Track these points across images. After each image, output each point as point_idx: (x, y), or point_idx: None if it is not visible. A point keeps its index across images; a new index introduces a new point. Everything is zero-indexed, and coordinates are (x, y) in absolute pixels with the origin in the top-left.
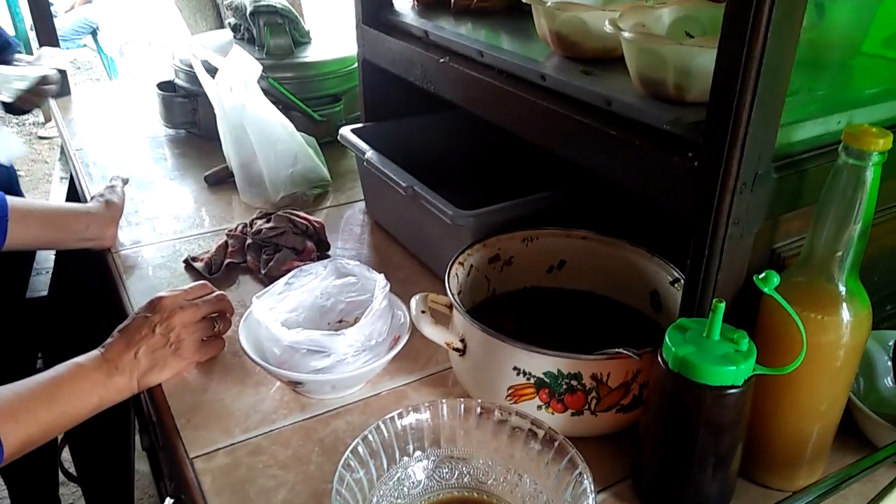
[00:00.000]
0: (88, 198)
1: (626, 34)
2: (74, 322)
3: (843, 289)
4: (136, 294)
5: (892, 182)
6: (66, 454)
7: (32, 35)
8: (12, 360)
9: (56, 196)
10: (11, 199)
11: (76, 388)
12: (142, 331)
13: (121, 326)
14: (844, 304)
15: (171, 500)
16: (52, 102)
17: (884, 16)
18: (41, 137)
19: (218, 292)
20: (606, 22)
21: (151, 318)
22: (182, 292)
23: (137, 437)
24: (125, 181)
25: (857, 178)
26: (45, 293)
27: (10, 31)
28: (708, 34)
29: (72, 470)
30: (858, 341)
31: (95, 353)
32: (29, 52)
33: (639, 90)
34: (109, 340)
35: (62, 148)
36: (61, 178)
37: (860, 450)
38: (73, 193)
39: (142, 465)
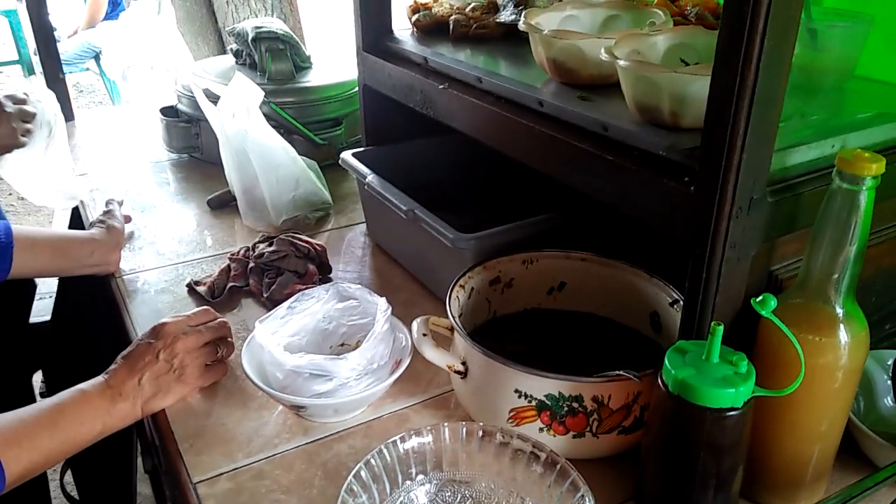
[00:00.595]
0: (89, 223)
1: (621, 62)
2: (77, 347)
3: (840, 310)
4: (139, 318)
5: (887, 203)
6: (68, 477)
7: (36, 60)
8: (14, 386)
9: (59, 220)
10: (17, 228)
11: (79, 415)
12: (145, 357)
13: (124, 353)
14: (842, 326)
15: None
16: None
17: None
18: None
19: (220, 319)
20: (602, 50)
21: (155, 344)
22: (185, 318)
23: (139, 460)
24: (120, 203)
25: (851, 203)
26: (47, 318)
27: (14, 56)
28: (703, 61)
29: (74, 493)
30: (857, 362)
31: (99, 379)
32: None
33: (635, 116)
34: (113, 367)
35: None
36: None
37: (861, 470)
38: (77, 218)
39: (144, 488)
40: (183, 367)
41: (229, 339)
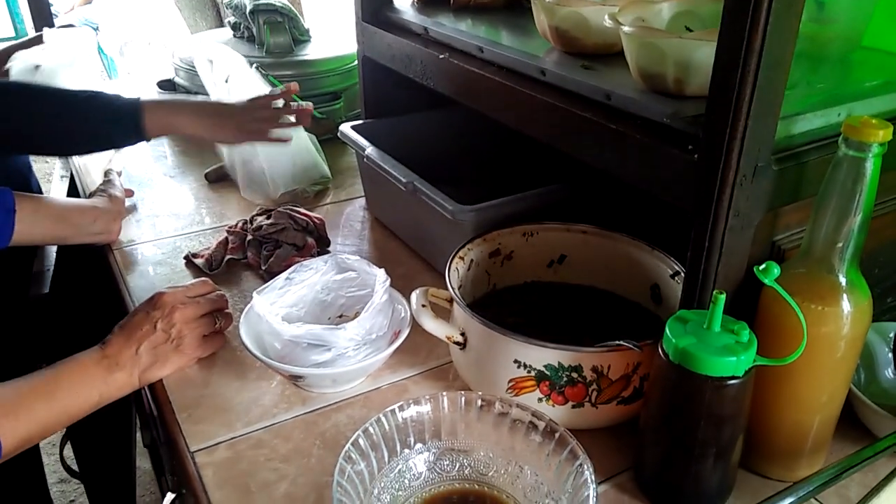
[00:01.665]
0: (87, 195)
1: (625, 29)
2: (76, 320)
3: (843, 280)
4: (137, 291)
5: (892, 174)
6: (68, 450)
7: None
8: (13, 359)
9: (56, 193)
10: (20, 195)
11: (76, 385)
12: (143, 327)
13: (122, 322)
14: (845, 295)
15: (173, 496)
16: None
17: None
18: None
19: (218, 291)
20: (606, 17)
21: (153, 314)
22: (183, 289)
23: (138, 434)
24: (119, 174)
25: (856, 170)
26: (46, 291)
27: (10, 32)
28: (708, 28)
29: (74, 466)
30: (859, 332)
31: (96, 349)
32: None
33: (638, 84)
34: (110, 336)
35: None
36: (61, 177)
37: (861, 440)
38: (73, 191)
39: (143, 462)
40: (181, 337)
41: (227, 310)
